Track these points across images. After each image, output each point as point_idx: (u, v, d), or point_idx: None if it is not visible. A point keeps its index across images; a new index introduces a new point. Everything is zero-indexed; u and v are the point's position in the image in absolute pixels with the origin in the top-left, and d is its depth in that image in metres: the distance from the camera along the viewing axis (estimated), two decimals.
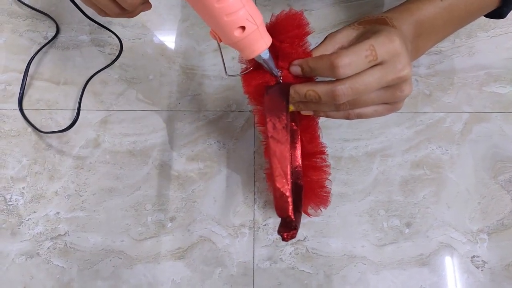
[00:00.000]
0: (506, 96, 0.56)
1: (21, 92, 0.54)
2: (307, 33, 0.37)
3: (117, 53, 0.55)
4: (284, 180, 0.34)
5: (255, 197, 0.51)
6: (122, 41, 0.55)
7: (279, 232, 0.35)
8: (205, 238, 0.49)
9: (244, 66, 0.38)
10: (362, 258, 0.49)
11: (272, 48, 0.35)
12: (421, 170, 0.52)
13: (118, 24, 0.58)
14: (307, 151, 0.43)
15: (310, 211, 0.46)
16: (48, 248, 0.48)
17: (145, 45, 0.57)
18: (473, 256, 0.49)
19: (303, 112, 0.38)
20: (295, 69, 0.36)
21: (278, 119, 0.35)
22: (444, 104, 0.55)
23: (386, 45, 0.33)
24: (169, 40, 0.58)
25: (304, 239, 0.49)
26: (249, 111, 0.54)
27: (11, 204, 0.50)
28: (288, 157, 0.34)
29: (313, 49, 0.37)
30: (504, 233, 0.50)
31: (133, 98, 0.55)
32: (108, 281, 0.47)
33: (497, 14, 0.44)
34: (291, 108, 0.38)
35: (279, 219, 0.49)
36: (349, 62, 0.32)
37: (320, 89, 0.34)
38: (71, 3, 0.48)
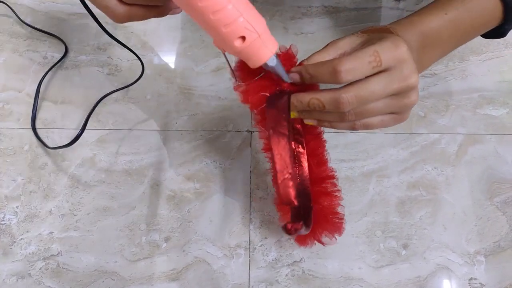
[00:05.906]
0: (499, 118, 0.57)
1: (34, 111, 0.54)
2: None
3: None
4: (286, 172, 0.35)
5: (251, 217, 0.50)
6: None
7: (283, 225, 0.35)
8: (200, 259, 0.48)
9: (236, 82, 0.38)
10: (359, 280, 0.48)
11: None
12: (417, 191, 0.52)
13: (117, 44, 0.59)
14: (315, 175, 0.42)
15: (325, 239, 0.44)
16: (40, 268, 0.47)
17: (143, 66, 0.58)
18: (471, 279, 0.48)
19: (306, 121, 0.37)
20: (294, 77, 0.35)
21: (280, 135, 0.35)
22: (438, 125, 0.56)
23: (392, 51, 0.32)
24: (167, 60, 0.59)
25: (300, 261, 0.49)
26: (246, 131, 0.55)
27: (4, 224, 0.49)
28: (289, 160, 0.35)
29: (313, 53, 0.36)
30: (501, 255, 0.50)
31: (130, 117, 0.55)
32: None
33: (498, 33, 0.44)
34: (295, 114, 0.36)
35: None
36: (351, 68, 0.31)
37: (324, 97, 0.33)
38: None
